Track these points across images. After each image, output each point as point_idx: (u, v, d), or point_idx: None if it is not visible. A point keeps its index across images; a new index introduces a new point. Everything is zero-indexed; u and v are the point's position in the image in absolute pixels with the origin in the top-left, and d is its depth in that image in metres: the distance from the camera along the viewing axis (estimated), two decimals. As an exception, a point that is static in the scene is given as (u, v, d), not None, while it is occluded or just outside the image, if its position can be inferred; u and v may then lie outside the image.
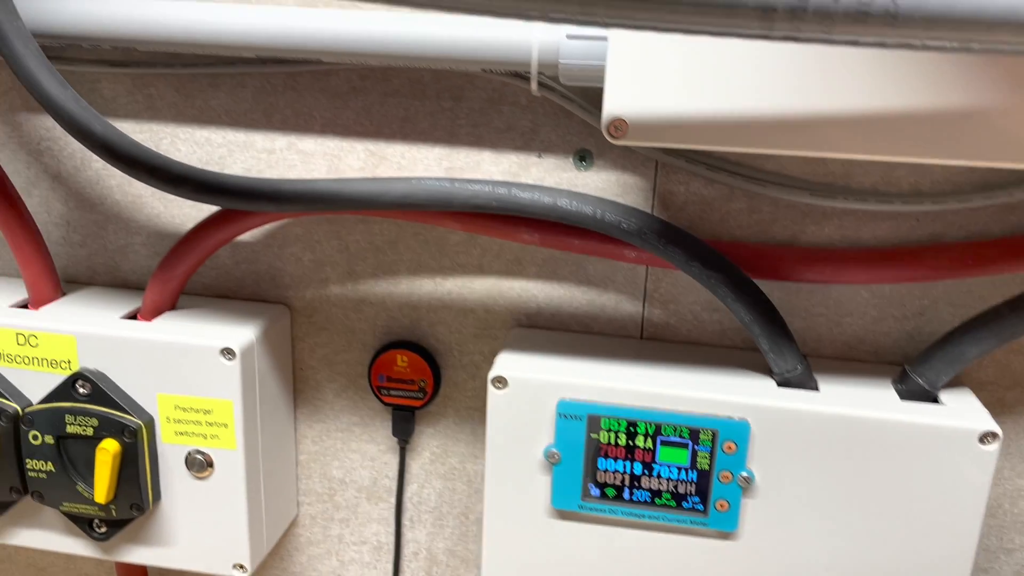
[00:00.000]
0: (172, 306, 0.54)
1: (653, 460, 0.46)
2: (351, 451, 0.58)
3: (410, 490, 0.58)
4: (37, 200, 0.56)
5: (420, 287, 0.54)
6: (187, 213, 0.55)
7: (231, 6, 0.47)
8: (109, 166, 0.55)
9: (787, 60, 0.39)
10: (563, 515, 0.48)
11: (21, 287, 0.56)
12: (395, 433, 0.56)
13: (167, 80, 0.52)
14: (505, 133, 0.50)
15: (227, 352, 0.49)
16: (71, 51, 0.52)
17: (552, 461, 0.47)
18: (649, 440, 0.45)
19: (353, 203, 0.48)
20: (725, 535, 0.46)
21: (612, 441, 0.46)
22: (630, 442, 0.46)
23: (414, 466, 0.58)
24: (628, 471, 0.46)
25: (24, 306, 0.54)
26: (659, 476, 0.46)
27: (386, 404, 0.56)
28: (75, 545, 0.54)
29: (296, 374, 0.57)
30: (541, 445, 0.47)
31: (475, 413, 0.56)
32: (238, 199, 0.48)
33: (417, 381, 0.55)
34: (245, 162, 0.53)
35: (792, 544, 0.46)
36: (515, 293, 0.53)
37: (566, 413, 0.46)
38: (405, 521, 0.59)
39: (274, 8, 0.46)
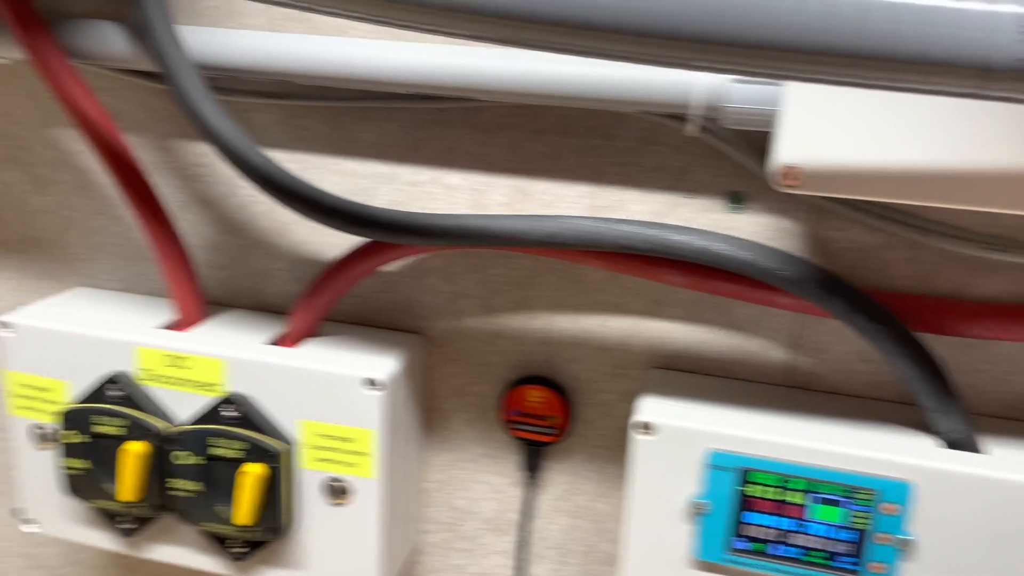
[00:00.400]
0: (314, 333, 0.55)
1: (804, 516, 0.44)
2: (477, 482, 0.58)
3: (535, 525, 0.58)
4: (186, 224, 0.58)
5: (557, 323, 0.53)
6: (329, 241, 0.56)
7: (387, 44, 0.48)
8: (257, 193, 0.56)
9: (967, 114, 0.37)
10: (706, 567, 0.47)
11: (167, 306, 0.58)
12: (523, 468, 0.56)
13: (318, 112, 0.54)
14: (654, 173, 0.49)
15: (371, 383, 0.50)
16: (228, 82, 0.54)
17: (698, 512, 0.45)
18: (801, 496, 0.44)
19: (500, 240, 0.48)
20: (877, 598, 0.45)
21: (762, 495, 0.44)
22: (781, 497, 0.44)
23: (540, 501, 0.57)
24: (777, 526, 0.45)
25: (172, 327, 0.56)
26: (810, 533, 0.44)
27: (516, 438, 0.56)
28: (209, 563, 0.55)
29: (426, 403, 0.58)
30: (686, 494, 0.46)
31: (605, 452, 0.55)
32: (388, 232, 0.49)
33: (549, 417, 0.54)
34: (389, 194, 0.54)
35: (950, 612, 0.44)
36: (654, 334, 0.52)
37: (716, 464, 0.45)
38: (528, 555, 0.58)
39: (430, 46, 0.47)
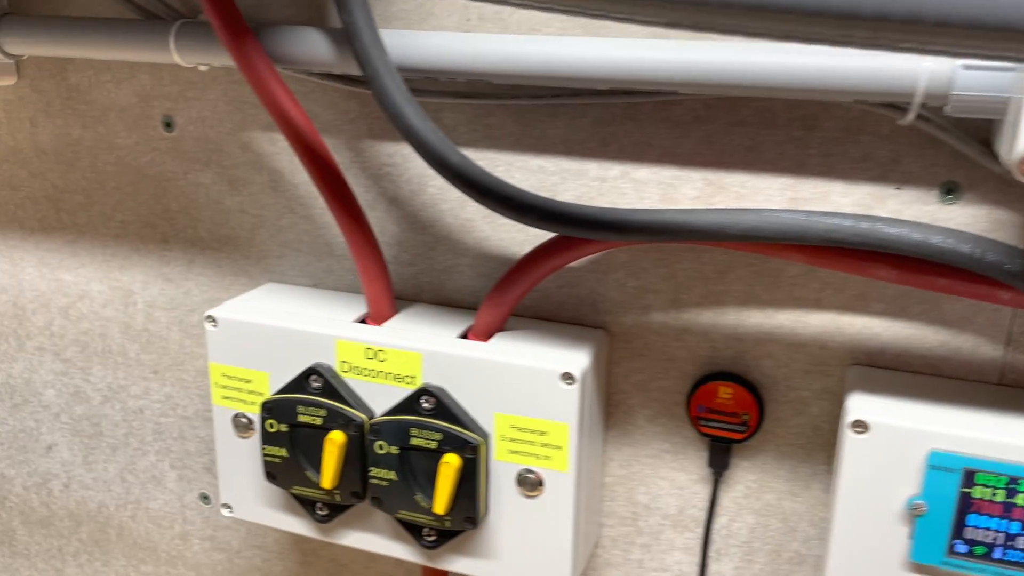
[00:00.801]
0: (502, 327, 0.55)
1: (1036, 521, 0.42)
2: (659, 478, 0.58)
3: (719, 522, 0.57)
4: (373, 221, 0.60)
5: (749, 318, 0.53)
6: (513, 237, 0.57)
7: (580, 40, 0.48)
8: (442, 191, 0.58)
9: None
10: (922, 570, 0.45)
11: (357, 301, 0.60)
12: (711, 465, 0.56)
13: (507, 110, 0.54)
14: (860, 164, 0.48)
15: (567, 377, 0.50)
16: (420, 83, 0.55)
17: (915, 513, 0.44)
18: (1033, 499, 0.42)
19: (700, 234, 0.47)
20: (1114, 609, 0.42)
21: (988, 497, 0.43)
22: (1009, 499, 0.42)
23: (725, 499, 0.57)
24: (1004, 529, 0.43)
25: (363, 321, 0.58)
26: (1041, 538, 0.42)
27: (703, 435, 0.55)
28: (400, 550, 0.57)
29: (608, 398, 0.58)
30: (903, 495, 0.44)
31: (798, 450, 0.54)
32: (583, 228, 0.49)
33: (740, 414, 0.54)
34: (576, 190, 0.54)
35: None
36: (855, 330, 0.51)
37: (938, 465, 0.43)
38: (711, 553, 0.58)
39: (625, 41, 0.47)
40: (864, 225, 0.45)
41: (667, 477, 0.58)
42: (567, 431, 0.51)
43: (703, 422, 0.55)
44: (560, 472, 0.52)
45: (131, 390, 0.72)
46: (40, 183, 0.69)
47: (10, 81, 0.67)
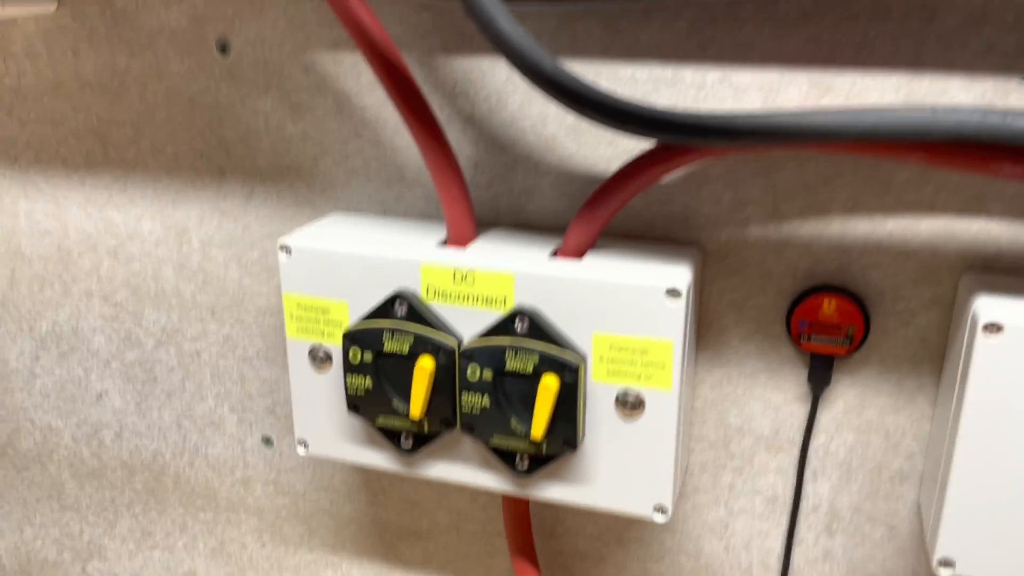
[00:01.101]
0: (592, 246, 0.53)
1: None
2: (753, 399, 0.56)
3: (816, 442, 0.56)
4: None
5: (855, 228, 0.51)
6: (600, 154, 0.54)
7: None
8: (523, 107, 0.55)
9: None
10: (1055, 473, 0.44)
11: (433, 227, 0.57)
12: (811, 382, 0.54)
13: (596, 16, 0.52)
14: (984, 56, 0.46)
15: (673, 292, 0.48)
16: (501, -10, 0.52)
17: (1053, 414, 0.43)
18: None
19: (816, 135, 0.45)
20: None
21: None
22: None
23: (824, 417, 0.55)
24: None
25: (445, 244, 0.55)
26: None
27: (803, 352, 0.54)
28: (490, 480, 0.55)
29: (700, 318, 0.56)
30: (1037, 397, 0.43)
31: (903, 363, 0.52)
32: (688, 134, 0.46)
33: (845, 328, 0.52)
34: (671, 98, 0.52)
35: None
36: (970, 234, 0.49)
37: (1078, 362, 0.42)
38: (808, 474, 0.57)
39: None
40: (994, 119, 0.43)
41: (761, 398, 0.56)
42: (671, 349, 0.49)
43: (805, 338, 0.53)
44: (663, 391, 0.50)
45: (187, 332, 0.70)
46: (84, 117, 0.66)
47: (50, 9, 0.63)
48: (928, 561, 0.56)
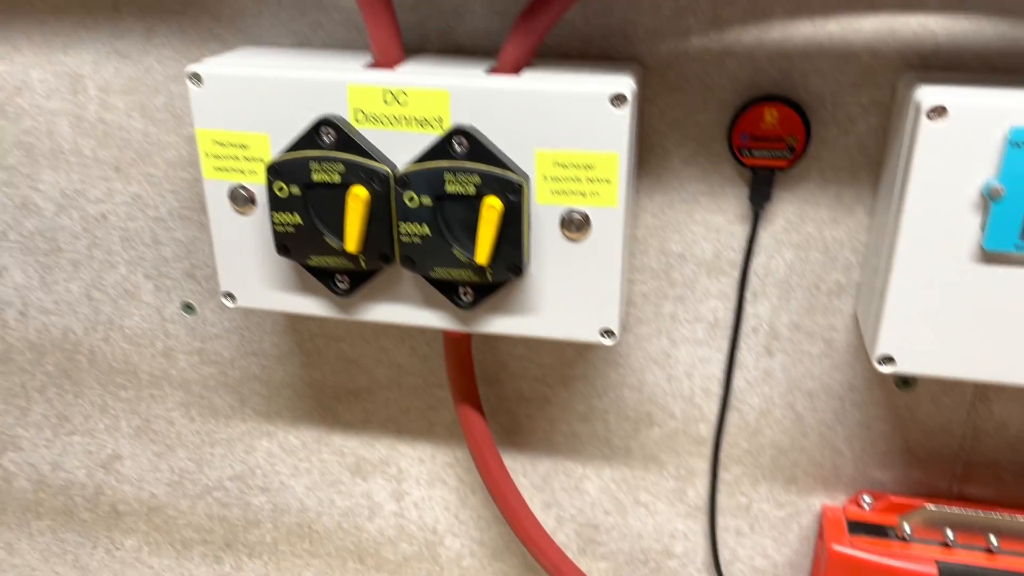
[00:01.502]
0: (528, 63, 0.51)
1: (1114, 190, 0.42)
2: (694, 223, 0.56)
3: (756, 262, 0.56)
4: (367, -40, 0.53)
5: (796, 32, 0.50)
6: (532, -35, 0.51)
7: None
8: (449, -85, 0.51)
9: None
10: (993, 257, 0.45)
11: (355, 57, 0.53)
12: (752, 199, 0.54)
13: None
14: None
15: (618, 99, 0.46)
16: None
17: (993, 197, 0.43)
18: (1113, 167, 0.42)
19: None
20: None
21: (1068, 171, 0.42)
22: (1089, 171, 0.42)
23: (764, 236, 0.55)
24: (1081, 204, 0.43)
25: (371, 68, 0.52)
26: (1117, 209, 0.42)
27: (746, 167, 0.53)
28: (433, 317, 0.54)
29: (642, 141, 0.54)
30: (978, 181, 0.43)
31: (843, 173, 0.52)
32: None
33: (786, 139, 0.51)
34: (606, -102, 0.49)
35: None
36: (910, 31, 0.48)
37: (1018, 141, 0.42)
38: (748, 295, 0.57)
39: None
40: None
41: (702, 221, 0.55)
42: (617, 161, 0.48)
43: (746, 152, 0.52)
44: (609, 208, 0.49)
45: (90, 194, 0.64)
46: (-51, -50, 0.58)
47: None
48: (863, 373, 0.57)
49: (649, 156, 0.55)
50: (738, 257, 0.56)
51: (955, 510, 0.57)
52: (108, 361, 0.71)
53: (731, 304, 0.57)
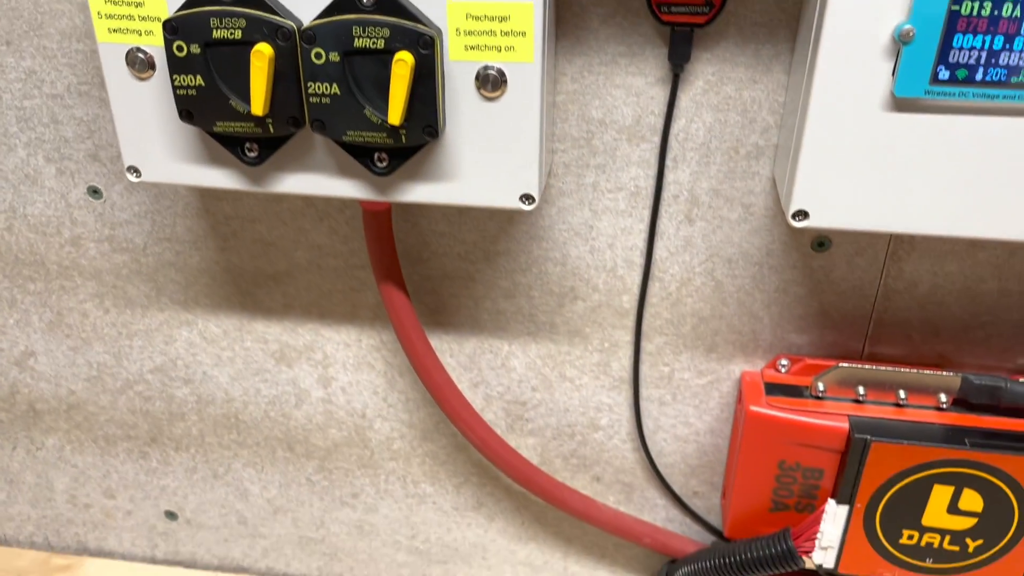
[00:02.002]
0: (439, -88, 0.48)
1: (1019, 31, 0.42)
2: (614, 87, 0.55)
3: (676, 127, 0.55)
4: None
5: None
6: None
7: None
8: None
9: None
10: (903, 105, 0.45)
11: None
12: (671, 58, 0.53)
13: None
14: None
15: (530, -57, 0.44)
16: None
17: (904, 41, 0.43)
18: (1018, 8, 0.42)
19: None
20: (1079, 116, 0.44)
21: (975, 12, 0.42)
22: (995, 11, 0.42)
23: (683, 99, 0.54)
24: (987, 46, 0.43)
25: (271, -78, 0.49)
26: (1021, 50, 0.43)
27: (664, 24, 0.52)
28: (348, 187, 0.52)
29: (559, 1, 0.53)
30: (890, 26, 0.43)
31: (760, 30, 0.52)
32: None
33: (704, -7, 0.50)
34: None
35: None
36: None
37: (930, -19, 0.42)
38: (668, 161, 0.57)
39: None
40: None
41: (622, 85, 0.55)
42: (531, 12, 0.46)
43: (665, 8, 0.51)
44: (525, 64, 0.47)
45: (-22, 70, 0.60)
46: None
47: None
48: (781, 237, 0.58)
49: (567, 15, 0.53)
50: (658, 122, 0.55)
51: (866, 367, 0.59)
52: (13, 252, 0.68)
53: (652, 171, 0.57)
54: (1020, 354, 0.60)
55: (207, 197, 0.63)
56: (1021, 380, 0.57)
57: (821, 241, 0.58)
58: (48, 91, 0.60)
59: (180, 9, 0.47)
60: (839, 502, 0.59)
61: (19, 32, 0.58)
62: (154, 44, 0.49)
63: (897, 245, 0.57)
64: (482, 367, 0.67)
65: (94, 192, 0.64)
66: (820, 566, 0.61)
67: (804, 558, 0.61)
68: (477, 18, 0.47)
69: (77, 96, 0.60)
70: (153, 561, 0.85)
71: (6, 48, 0.59)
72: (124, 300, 0.69)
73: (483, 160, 0.51)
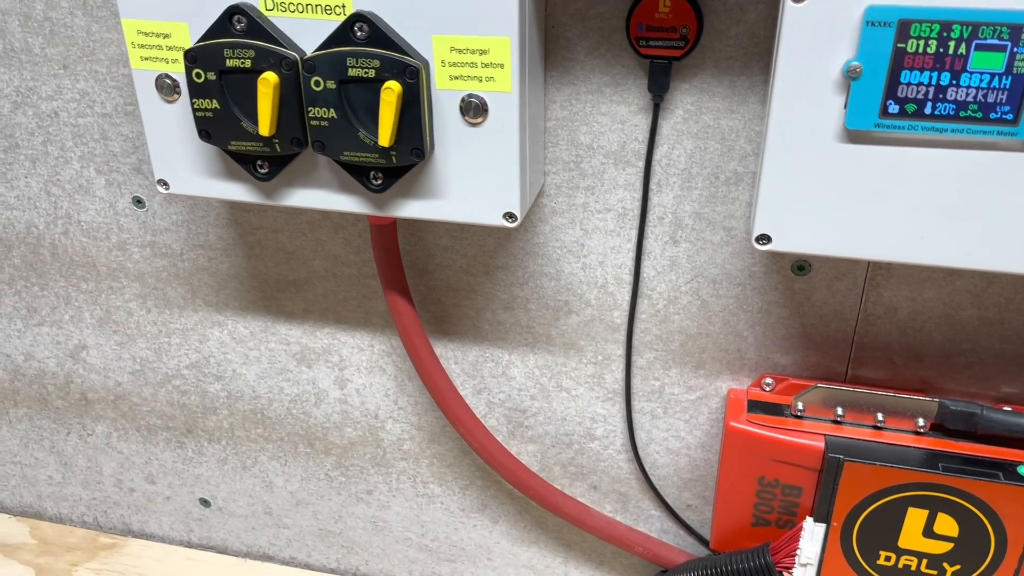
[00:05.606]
0: (432, -46, 0.53)
1: (964, 68, 0.44)
2: (600, 114, 0.58)
3: (659, 152, 0.58)
4: None
5: (687, -77, 0.51)
6: None
7: None
8: None
9: None
10: (855, 136, 0.47)
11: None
12: (651, 89, 0.56)
13: None
14: None
15: (505, -16, 0.49)
16: None
17: (852, 76, 0.45)
18: (963, 45, 0.44)
19: None
20: (1031, 149, 0.45)
21: (921, 49, 0.44)
22: (940, 49, 0.44)
23: (665, 127, 0.57)
24: (934, 82, 0.45)
25: (284, -37, 0.54)
26: (967, 86, 0.44)
27: (644, 57, 0.55)
28: (349, 202, 0.57)
29: (548, 33, 0.57)
30: (839, 62, 0.46)
31: (735, 63, 0.54)
32: None
33: (679, 28, 0.53)
34: None
35: (1103, 156, 0.45)
36: (793, -80, 0.50)
37: (874, 20, 0.44)
38: (652, 185, 0.60)
39: None
40: None
41: (608, 112, 0.58)
42: (508, 46, 0.50)
43: (643, 42, 0.54)
44: (504, 93, 0.51)
45: (42, 91, 0.68)
46: None
47: None
48: (762, 260, 0.60)
49: (555, 47, 0.57)
50: (642, 148, 0.59)
51: (845, 389, 0.60)
52: (69, 254, 0.76)
53: (638, 194, 0.60)
54: (1003, 382, 0.60)
55: (235, 208, 0.69)
56: (1000, 407, 0.58)
57: (801, 265, 0.60)
58: (99, 110, 0.67)
59: (199, 40, 0.53)
60: (816, 520, 0.61)
61: (74, 58, 0.66)
62: (179, 71, 0.55)
63: (875, 271, 0.58)
64: (484, 375, 0.71)
65: (138, 202, 0.71)
66: (798, 583, 0.62)
67: (784, 574, 0.63)
68: (460, 51, 0.51)
69: (123, 115, 0.67)
70: (189, 545, 0.91)
71: (63, 71, 0.66)
72: (164, 301, 0.76)
73: (469, 180, 0.55)
